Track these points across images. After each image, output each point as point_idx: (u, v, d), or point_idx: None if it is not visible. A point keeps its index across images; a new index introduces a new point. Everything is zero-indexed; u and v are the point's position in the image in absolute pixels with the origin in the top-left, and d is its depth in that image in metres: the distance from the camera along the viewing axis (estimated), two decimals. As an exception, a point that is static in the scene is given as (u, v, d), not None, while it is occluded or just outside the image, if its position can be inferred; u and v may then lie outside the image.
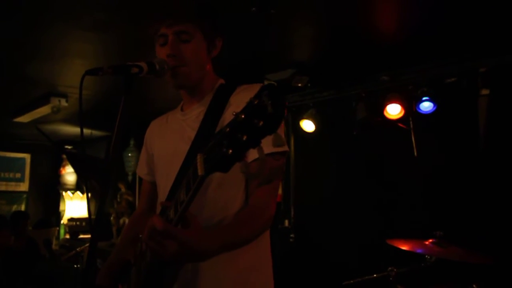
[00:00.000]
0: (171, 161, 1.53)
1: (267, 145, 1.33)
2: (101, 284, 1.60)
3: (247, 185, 1.46)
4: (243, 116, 0.88)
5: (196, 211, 1.30)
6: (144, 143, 1.81)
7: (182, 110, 1.64)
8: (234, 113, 0.91)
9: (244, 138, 0.88)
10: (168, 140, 1.62)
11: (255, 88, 1.49)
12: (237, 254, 1.32)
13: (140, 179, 6.07)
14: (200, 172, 0.97)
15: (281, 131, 1.16)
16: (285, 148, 1.39)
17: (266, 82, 3.87)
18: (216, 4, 1.54)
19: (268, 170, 1.38)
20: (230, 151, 0.90)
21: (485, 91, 3.38)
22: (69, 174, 7.99)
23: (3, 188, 7.48)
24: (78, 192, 7.84)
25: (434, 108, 3.58)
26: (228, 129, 0.91)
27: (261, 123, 0.87)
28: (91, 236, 1.18)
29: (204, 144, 0.99)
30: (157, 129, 1.75)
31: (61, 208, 7.87)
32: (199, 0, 1.53)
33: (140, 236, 1.36)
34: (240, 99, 1.46)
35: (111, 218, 6.34)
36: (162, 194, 1.58)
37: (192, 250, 1.12)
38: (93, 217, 1.23)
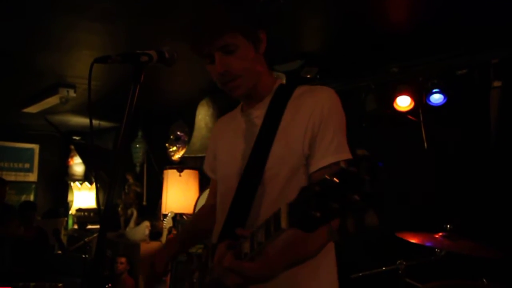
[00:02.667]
0: (230, 163, 1.53)
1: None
2: (157, 262, 1.62)
3: None
4: (337, 181, 0.85)
5: (259, 214, 1.39)
6: (210, 140, 1.81)
7: (242, 110, 1.61)
8: (327, 176, 0.87)
9: (336, 206, 0.86)
10: (228, 141, 1.60)
11: (314, 91, 1.49)
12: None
13: (148, 170, 6.04)
14: (283, 225, 0.98)
15: None
16: None
17: (274, 75, 3.84)
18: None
19: None
20: (318, 214, 0.88)
21: (497, 83, 3.33)
22: (77, 165, 8.02)
23: (12, 178, 7.52)
24: (86, 183, 7.87)
25: (445, 100, 3.54)
26: (318, 188, 0.89)
27: (356, 198, 0.84)
28: (100, 226, 1.17)
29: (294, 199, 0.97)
30: (221, 127, 1.74)
31: (69, 198, 7.92)
32: (226, 5, 1.43)
33: (208, 244, 1.46)
34: (299, 106, 1.45)
35: (119, 209, 6.36)
36: (221, 197, 1.58)
37: (254, 281, 1.19)
38: (101, 207, 1.22)
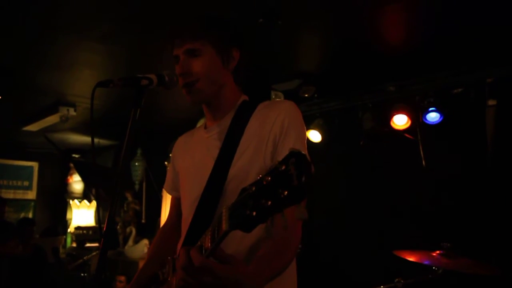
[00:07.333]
0: (194, 180, 1.53)
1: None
2: None
3: None
4: (269, 179, 0.88)
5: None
6: (171, 158, 1.82)
7: (205, 127, 1.62)
8: (259, 176, 0.90)
9: (269, 203, 0.88)
10: (192, 158, 1.61)
11: (275, 105, 1.51)
12: None
13: (147, 188, 5.99)
14: (224, 227, 0.98)
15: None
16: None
17: (273, 94, 3.88)
18: (224, 15, 1.55)
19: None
20: (254, 213, 0.90)
21: (492, 102, 3.38)
22: (76, 183, 8.02)
23: (11, 196, 7.51)
24: (85, 201, 7.85)
25: (441, 119, 3.57)
26: (254, 188, 0.91)
27: (285, 193, 0.86)
28: (102, 244, 1.18)
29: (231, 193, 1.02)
30: (182, 145, 1.75)
31: (68, 216, 7.88)
32: (206, 15, 1.52)
33: (169, 258, 1.41)
34: (260, 119, 1.46)
35: (118, 226, 6.35)
36: (186, 212, 1.58)
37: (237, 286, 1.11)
38: (102, 226, 1.23)
